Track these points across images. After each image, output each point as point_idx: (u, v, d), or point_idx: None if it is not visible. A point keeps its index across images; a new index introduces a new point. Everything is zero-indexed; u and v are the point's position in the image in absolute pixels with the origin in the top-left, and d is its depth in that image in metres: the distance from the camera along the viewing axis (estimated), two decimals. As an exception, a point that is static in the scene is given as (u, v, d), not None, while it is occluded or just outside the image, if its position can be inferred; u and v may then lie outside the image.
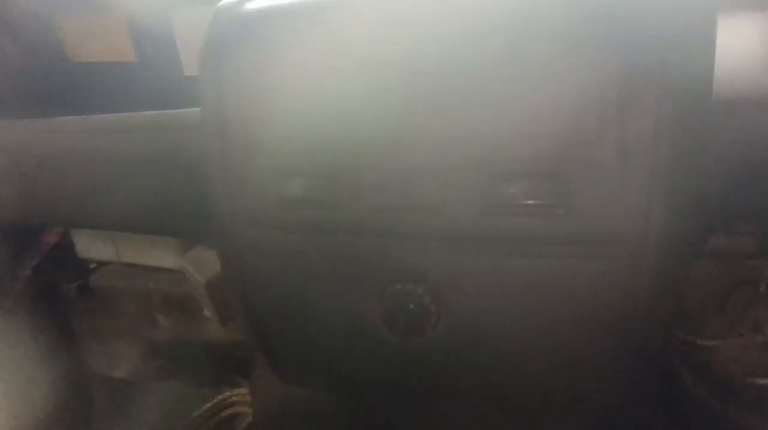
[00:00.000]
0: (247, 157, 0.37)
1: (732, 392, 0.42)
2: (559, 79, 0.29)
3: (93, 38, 0.74)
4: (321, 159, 0.35)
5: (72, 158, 0.51)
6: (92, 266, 0.83)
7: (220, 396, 0.86)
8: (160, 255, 0.74)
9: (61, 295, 0.82)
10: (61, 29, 0.75)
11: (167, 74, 0.72)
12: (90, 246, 0.78)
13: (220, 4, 0.39)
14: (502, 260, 0.30)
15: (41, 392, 0.82)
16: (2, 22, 0.72)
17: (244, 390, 0.86)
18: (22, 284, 0.75)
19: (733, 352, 0.42)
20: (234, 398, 0.87)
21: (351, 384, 0.40)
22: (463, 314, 0.32)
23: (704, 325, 0.42)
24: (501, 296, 0.31)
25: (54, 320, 0.82)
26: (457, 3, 0.31)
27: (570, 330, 0.30)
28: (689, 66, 0.27)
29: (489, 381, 0.34)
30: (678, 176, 0.27)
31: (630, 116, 0.28)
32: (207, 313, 0.72)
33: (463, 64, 0.31)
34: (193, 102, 0.54)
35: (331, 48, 0.34)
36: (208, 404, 0.85)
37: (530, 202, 0.29)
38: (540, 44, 0.29)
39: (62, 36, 0.76)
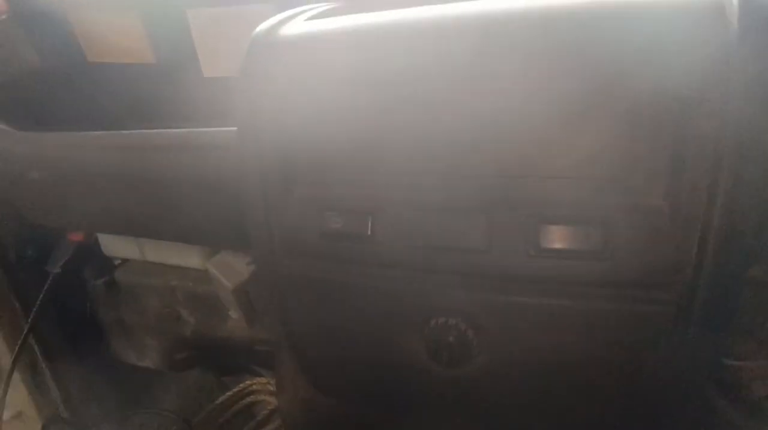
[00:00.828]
0: (285, 186, 0.37)
1: (755, 412, 0.43)
2: (607, 125, 0.29)
3: (110, 39, 0.73)
4: (360, 193, 0.34)
5: (104, 173, 0.52)
6: (117, 262, 0.84)
7: (241, 385, 0.88)
8: (185, 256, 0.75)
9: (89, 290, 0.84)
10: (77, 30, 0.74)
11: (186, 75, 0.72)
12: (115, 245, 0.79)
13: (256, 30, 0.38)
14: (545, 300, 0.31)
15: (71, 382, 0.86)
16: (18, 23, 0.71)
17: (264, 379, 0.88)
18: (53, 280, 0.77)
19: (759, 373, 0.42)
20: (254, 387, 0.89)
21: (388, 403, 0.41)
22: (504, 350, 0.33)
23: (732, 345, 0.43)
24: (543, 335, 0.32)
25: (83, 314, 0.84)
26: (504, 38, 0.30)
27: (610, 371, 0.31)
28: (750, 110, 0.26)
29: (523, 416, 0.35)
30: (733, 227, 0.27)
31: (683, 164, 0.27)
32: (233, 314, 0.73)
33: (511, 103, 0.30)
34: (212, 103, 0.54)
35: (373, 77, 0.33)
36: (229, 393, 0.88)
37: (574, 246, 0.29)
38: (588, 89, 0.29)
39: (79, 36, 0.75)
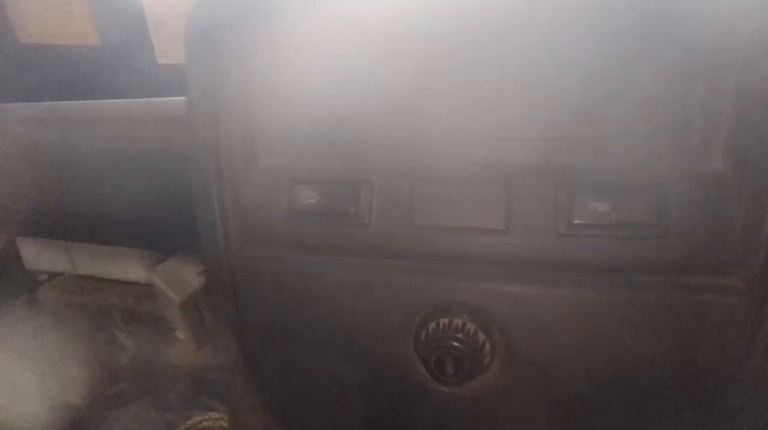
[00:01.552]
0: (245, 157, 0.30)
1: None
2: (654, 66, 0.23)
3: (48, 17, 0.65)
4: (341, 160, 0.28)
5: (23, 153, 0.43)
6: (42, 277, 0.74)
7: (189, 421, 0.80)
8: (125, 267, 0.66)
9: (5, 311, 0.73)
10: (10, 6, 0.66)
11: (138, 61, 0.65)
12: (39, 255, 0.69)
13: None
14: (581, 291, 0.24)
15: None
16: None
17: (216, 414, 0.80)
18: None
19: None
20: (205, 423, 0.80)
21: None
22: (525, 357, 0.26)
23: None
24: (578, 335, 0.25)
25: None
26: None
27: (664, 377, 0.25)
28: None
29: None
30: None
31: (747, 121, 0.22)
32: (180, 335, 0.63)
33: (537, 46, 0.24)
34: (169, 94, 0.46)
35: (353, 20, 0.28)
36: (178, 430, 0.78)
37: (620, 220, 0.23)
38: (633, 33, 0.23)
39: (12, 14, 0.66)
